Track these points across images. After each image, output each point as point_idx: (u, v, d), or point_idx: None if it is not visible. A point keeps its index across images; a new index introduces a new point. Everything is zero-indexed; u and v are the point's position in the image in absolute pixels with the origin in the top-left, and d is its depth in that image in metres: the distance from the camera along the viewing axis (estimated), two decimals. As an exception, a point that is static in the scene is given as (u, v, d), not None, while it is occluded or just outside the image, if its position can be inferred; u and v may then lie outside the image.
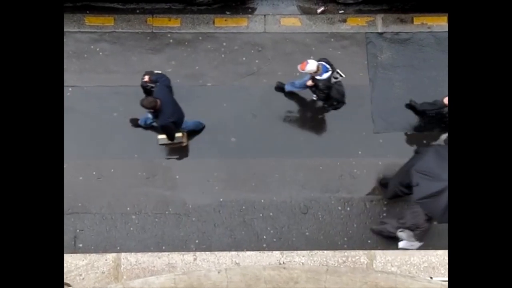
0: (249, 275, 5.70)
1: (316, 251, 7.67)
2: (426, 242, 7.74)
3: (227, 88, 9.13)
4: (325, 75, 7.97)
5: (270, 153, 8.79)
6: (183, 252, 7.74)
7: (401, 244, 7.80)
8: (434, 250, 7.65)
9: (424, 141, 8.96)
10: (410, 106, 8.96)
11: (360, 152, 8.84)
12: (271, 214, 8.53)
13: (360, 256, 7.61)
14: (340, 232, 8.46)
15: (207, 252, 7.72)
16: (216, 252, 7.71)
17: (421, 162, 7.24)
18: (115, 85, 8.95)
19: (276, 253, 7.64)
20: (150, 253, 7.68)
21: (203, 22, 9.50)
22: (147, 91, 8.03)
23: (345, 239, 8.43)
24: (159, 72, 8.23)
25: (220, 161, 8.73)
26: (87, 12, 9.46)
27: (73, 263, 7.42)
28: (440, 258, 7.53)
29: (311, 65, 7.82)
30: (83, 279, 7.31)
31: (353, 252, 7.69)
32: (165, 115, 7.69)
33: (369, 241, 8.38)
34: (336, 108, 8.73)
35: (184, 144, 8.71)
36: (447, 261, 6.94)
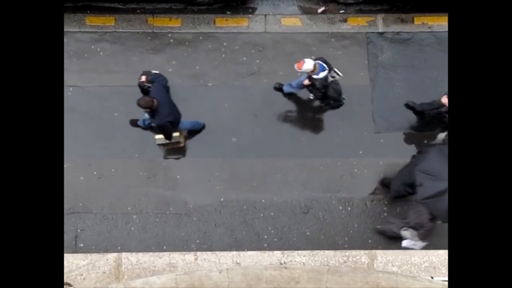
0: (250, 275, 5.70)
1: (317, 251, 7.67)
2: (429, 242, 7.71)
3: (228, 88, 9.13)
4: (322, 74, 7.97)
5: (271, 153, 8.79)
6: (184, 252, 7.74)
7: (404, 243, 7.80)
8: (435, 250, 7.65)
9: (425, 141, 8.96)
10: (409, 107, 8.97)
11: (361, 152, 8.84)
12: (272, 214, 8.53)
13: (361, 256, 7.61)
14: (341, 232, 8.47)
15: (208, 252, 7.72)
16: (217, 252, 7.71)
17: (424, 162, 7.24)
18: (116, 85, 8.95)
19: (277, 253, 7.64)
20: (151, 253, 7.68)
21: (203, 22, 9.51)
22: (144, 91, 8.05)
23: (346, 239, 8.43)
24: (157, 72, 8.24)
25: (221, 161, 8.74)
26: (88, 12, 9.47)
27: (74, 263, 7.42)
28: (441, 258, 7.53)
29: (308, 64, 7.82)
30: (84, 279, 7.31)
31: (354, 252, 7.69)
32: (161, 114, 7.71)
33: (370, 241, 8.39)
34: (333, 107, 8.74)
35: (182, 145, 8.71)
36: (448, 261, 6.93)
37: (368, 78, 9.24)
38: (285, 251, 7.69)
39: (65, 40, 9.16)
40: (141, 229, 8.40)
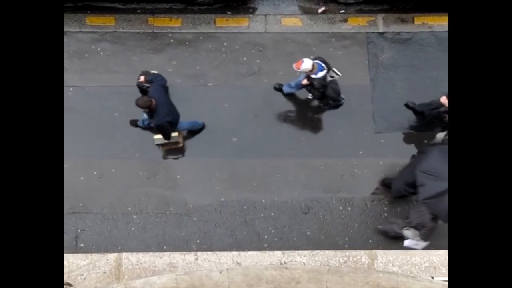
0: (251, 275, 5.70)
1: (317, 251, 7.68)
2: (431, 242, 7.71)
3: (228, 88, 9.13)
4: (320, 74, 7.97)
5: (271, 153, 8.79)
6: (184, 252, 7.75)
7: (406, 242, 7.79)
8: (435, 250, 7.66)
9: (425, 141, 8.96)
10: (409, 107, 8.97)
11: (361, 152, 8.84)
12: (272, 214, 8.53)
13: (362, 256, 7.61)
14: (342, 232, 8.46)
15: (208, 252, 7.72)
16: (217, 252, 7.71)
17: (426, 162, 7.23)
18: (116, 85, 8.95)
19: (278, 253, 7.64)
20: (151, 253, 7.69)
21: (204, 22, 9.51)
22: (143, 91, 8.06)
23: (346, 239, 8.42)
24: (155, 72, 8.25)
25: (221, 161, 8.74)
26: (88, 12, 9.47)
27: (75, 263, 7.43)
28: (441, 258, 7.53)
29: (306, 63, 7.82)
30: (84, 279, 7.32)
31: (354, 252, 7.69)
32: (160, 115, 7.71)
33: (370, 241, 8.38)
34: (332, 107, 8.74)
35: (180, 145, 8.71)
36: (448, 261, 6.93)
37: (368, 78, 9.24)
38: (286, 251, 7.69)
39: (65, 40, 9.17)
40: (141, 229, 8.40)
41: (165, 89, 8.24)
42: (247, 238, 8.39)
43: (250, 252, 7.70)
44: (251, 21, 9.57)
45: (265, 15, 9.61)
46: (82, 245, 8.29)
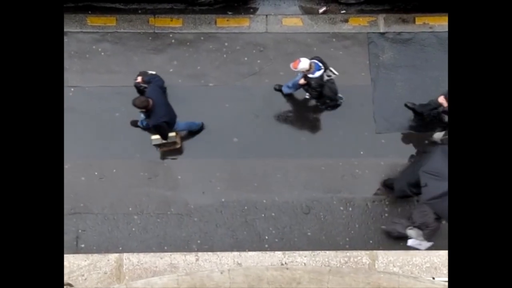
0: (251, 275, 5.70)
1: (318, 252, 7.68)
2: (434, 242, 7.69)
3: (229, 88, 9.13)
4: (318, 73, 7.96)
5: (272, 153, 8.79)
6: (185, 253, 7.75)
7: (409, 242, 7.78)
8: (436, 250, 7.66)
9: (426, 141, 8.95)
10: (408, 107, 8.98)
11: (362, 152, 8.83)
12: (273, 214, 8.53)
13: (362, 257, 7.61)
14: (342, 232, 8.46)
15: (209, 253, 7.73)
16: (218, 253, 7.72)
17: (429, 162, 7.23)
18: (117, 85, 8.95)
19: (278, 254, 7.64)
20: (152, 254, 7.69)
21: (205, 22, 9.51)
22: (140, 91, 8.07)
23: (347, 239, 8.42)
24: (153, 73, 8.26)
25: (222, 161, 8.73)
26: (89, 12, 9.47)
27: (75, 264, 7.43)
28: (442, 258, 7.53)
29: (304, 63, 7.81)
30: (85, 279, 7.32)
31: (355, 253, 7.69)
32: (157, 115, 7.71)
33: (371, 241, 8.38)
34: (330, 106, 8.74)
35: (178, 146, 8.71)
36: (449, 262, 6.92)
37: (369, 78, 9.24)
38: (286, 252, 7.70)
39: (66, 40, 9.17)
40: (142, 230, 8.40)
41: (163, 89, 8.25)
42: (248, 238, 8.39)
43: (251, 253, 7.71)
44: (252, 21, 9.57)
45: (266, 15, 9.61)
46: (83, 245, 8.30)
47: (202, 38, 9.41)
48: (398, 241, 8.14)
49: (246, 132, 8.91)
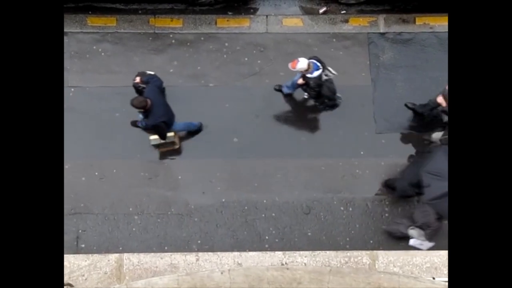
0: (252, 275, 5.70)
1: (318, 252, 7.68)
2: (436, 242, 7.69)
3: (229, 88, 9.13)
4: (316, 73, 7.95)
5: (272, 153, 8.79)
6: (185, 253, 7.76)
7: (411, 241, 7.79)
8: (436, 250, 7.66)
9: (426, 141, 8.95)
10: (409, 107, 8.98)
11: (362, 153, 8.83)
12: (273, 214, 8.53)
13: (363, 257, 7.62)
14: (342, 233, 8.46)
15: (209, 253, 7.74)
16: (218, 253, 7.73)
17: (431, 162, 7.23)
18: (117, 85, 8.94)
19: (279, 254, 7.65)
20: (152, 254, 7.70)
21: (205, 22, 9.51)
22: (139, 91, 8.08)
23: (347, 239, 8.42)
24: (152, 73, 8.27)
25: (222, 162, 8.74)
26: (90, 12, 9.47)
27: (76, 264, 7.44)
28: (442, 258, 7.54)
29: (302, 63, 7.80)
30: (85, 279, 7.33)
31: (355, 253, 7.70)
32: (155, 115, 7.72)
33: (371, 242, 8.38)
34: (328, 106, 8.73)
35: (177, 146, 8.71)
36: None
37: (369, 79, 9.24)
38: (287, 252, 7.70)
39: (66, 40, 9.18)
40: (142, 230, 8.41)
41: (161, 90, 8.26)
42: (248, 238, 8.39)
43: (251, 253, 7.72)
44: (252, 21, 9.57)
45: (266, 16, 9.61)
46: (83, 245, 8.30)
47: (202, 38, 9.41)
48: (400, 241, 8.13)
49: (247, 132, 8.92)
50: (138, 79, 8.06)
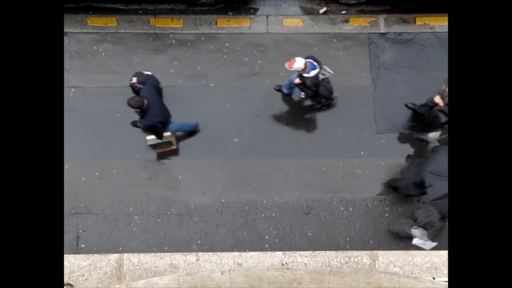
0: (252, 276, 5.70)
1: (318, 252, 7.69)
2: (439, 242, 7.67)
3: (229, 88, 9.14)
4: (313, 73, 7.94)
5: (272, 153, 8.79)
6: (185, 253, 7.77)
7: (414, 241, 7.78)
8: (436, 250, 7.66)
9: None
10: (409, 108, 8.99)
11: (362, 153, 8.83)
12: (273, 214, 8.53)
13: (363, 257, 7.63)
14: (343, 233, 8.46)
15: (209, 253, 7.75)
16: (218, 253, 7.74)
17: (434, 162, 7.22)
18: (117, 85, 8.94)
19: (279, 254, 7.66)
20: (152, 254, 7.71)
21: (205, 22, 9.51)
22: (136, 91, 8.09)
23: (348, 239, 8.42)
24: (149, 73, 8.27)
25: (223, 162, 8.74)
26: (90, 13, 9.47)
27: (76, 264, 7.45)
28: (442, 258, 7.54)
29: (299, 62, 7.79)
30: (85, 279, 7.33)
31: (355, 253, 7.71)
32: (152, 115, 7.72)
33: (371, 242, 8.38)
34: (325, 105, 8.72)
35: (174, 147, 8.71)
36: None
37: (370, 79, 9.24)
38: (287, 252, 7.71)
39: (67, 40, 9.19)
40: (142, 230, 8.41)
41: (158, 90, 8.27)
42: (248, 238, 8.39)
43: (251, 253, 7.72)
44: (253, 21, 9.57)
45: (267, 16, 9.61)
46: (83, 245, 8.30)
47: (202, 38, 9.41)
48: (402, 240, 8.12)
49: (247, 132, 8.92)
50: (134, 80, 8.08)
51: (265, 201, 8.57)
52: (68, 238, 8.23)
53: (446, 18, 9.35)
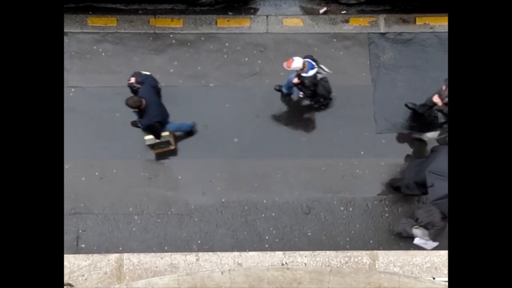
0: (252, 276, 5.70)
1: (318, 252, 7.69)
2: (440, 242, 7.66)
3: (229, 88, 9.14)
4: (311, 72, 7.93)
5: (272, 153, 8.79)
6: (185, 253, 7.77)
7: (415, 240, 7.78)
8: (436, 250, 7.66)
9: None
10: (409, 108, 8.99)
11: (362, 153, 8.83)
12: (273, 214, 8.53)
13: (363, 257, 7.63)
14: (343, 233, 8.46)
15: (209, 253, 7.75)
16: (218, 253, 7.74)
17: (435, 162, 7.22)
18: (117, 85, 8.94)
19: (279, 254, 7.66)
20: (152, 254, 7.72)
21: (205, 22, 9.51)
22: (134, 91, 8.09)
23: (347, 239, 8.42)
24: (147, 73, 8.27)
25: (223, 162, 8.74)
26: (90, 13, 9.47)
27: (76, 264, 7.45)
28: (442, 258, 7.55)
29: (297, 62, 7.78)
30: (85, 279, 7.33)
31: (355, 253, 7.71)
32: (150, 115, 7.72)
33: (371, 242, 8.38)
34: (323, 105, 8.71)
35: (172, 147, 8.70)
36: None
37: (370, 79, 9.24)
38: (287, 252, 7.71)
39: (67, 40, 9.19)
40: (142, 230, 8.41)
41: (156, 89, 8.26)
42: (248, 238, 8.39)
43: (251, 253, 7.73)
44: (253, 21, 9.57)
45: (267, 16, 9.61)
46: (83, 245, 8.30)
47: (202, 38, 9.41)
48: (404, 240, 8.12)
49: (247, 132, 8.92)
50: (133, 80, 8.08)
51: (265, 201, 8.57)
52: (68, 238, 8.23)
53: (446, 18, 9.35)
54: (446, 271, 7.43)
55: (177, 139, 8.82)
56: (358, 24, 9.58)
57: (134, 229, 8.41)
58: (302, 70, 7.90)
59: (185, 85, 9.08)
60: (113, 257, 7.55)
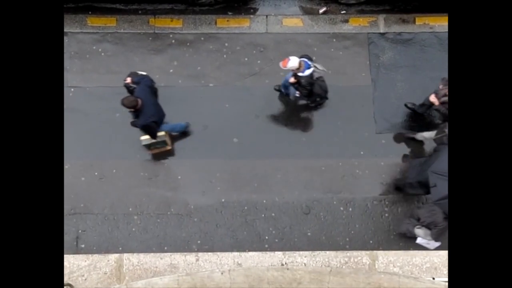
0: (252, 276, 5.70)
1: (318, 252, 7.69)
2: (442, 242, 7.65)
3: (229, 88, 9.13)
4: (307, 72, 7.91)
5: (272, 153, 8.79)
6: (185, 253, 7.77)
7: (418, 240, 7.77)
8: (436, 250, 7.66)
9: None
10: (408, 108, 8.99)
11: (362, 153, 8.83)
12: (273, 214, 8.53)
13: (363, 257, 7.63)
14: (342, 233, 8.46)
15: (209, 253, 7.75)
16: (218, 253, 7.74)
17: (437, 162, 7.21)
18: (117, 85, 8.91)
19: (278, 254, 7.66)
20: (152, 254, 7.71)
21: (205, 22, 9.51)
22: (130, 91, 8.09)
23: (347, 239, 8.42)
24: (144, 73, 8.26)
25: (222, 162, 8.74)
26: (90, 13, 9.47)
27: (76, 264, 7.45)
28: (442, 258, 7.54)
29: (293, 61, 7.76)
30: (85, 279, 7.33)
31: (355, 253, 7.71)
32: (146, 115, 7.72)
33: (371, 242, 8.38)
34: (319, 104, 8.70)
35: (169, 148, 8.70)
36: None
37: (369, 79, 9.24)
38: (286, 252, 7.71)
39: (66, 40, 9.18)
40: (142, 230, 8.40)
41: (153, 89, 8.25)
42: (248, 238, 8.39)
43: (251, 253, 7.72)
44: (252, 21, 9.57)
45: (266, 16, 9.61)
46: (83, 245, 8.30)
47: (202, 38, 9.41)
48: (405, 240, 8.11)
49: (246, 132, 8.91)
50: (129, 80, 8.07)
51: (264, 201, 8.57)
52: (68, 238, 8.23)
53: (446, 18, 9.35)
54: (446, 271, 7.43)
55: (176, 139, 8.82)
56: (358, 24, 9.58)
57: (133, 229, 8.41)
58: (298, 69, 7.88)
59: (185, 85, 9.08)
60: (113, 257, 7.54)
